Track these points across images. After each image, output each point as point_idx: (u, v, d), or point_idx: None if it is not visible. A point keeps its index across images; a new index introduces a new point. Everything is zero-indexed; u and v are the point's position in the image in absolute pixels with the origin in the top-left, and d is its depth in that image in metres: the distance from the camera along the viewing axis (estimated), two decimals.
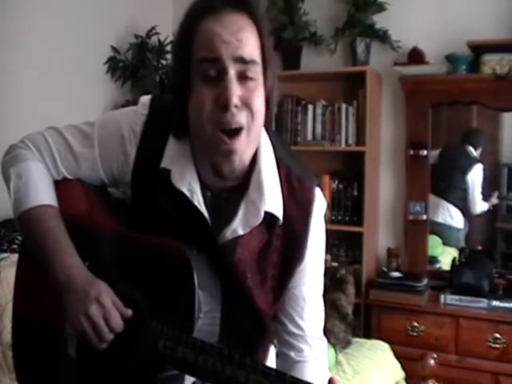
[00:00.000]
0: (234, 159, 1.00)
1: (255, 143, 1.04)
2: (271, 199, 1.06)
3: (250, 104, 0.98)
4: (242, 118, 0.98)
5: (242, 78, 0.97)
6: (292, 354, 1.14)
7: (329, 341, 2.42)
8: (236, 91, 0.96)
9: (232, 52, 0.96)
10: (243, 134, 0.99)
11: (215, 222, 1.06)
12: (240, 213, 1.05)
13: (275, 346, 1.25)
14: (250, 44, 0.98)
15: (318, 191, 1.14)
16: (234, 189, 1.08)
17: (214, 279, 1.05)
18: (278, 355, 1.18)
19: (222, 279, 1.06)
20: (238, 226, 1.05)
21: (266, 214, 1.05)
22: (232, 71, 0.96)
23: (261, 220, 1.05)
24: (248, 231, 1.05)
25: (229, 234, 1.05)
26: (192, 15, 1.01)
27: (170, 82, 1.10)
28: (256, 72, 0.99)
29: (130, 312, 1.02)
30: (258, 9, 1.02)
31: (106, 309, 0.99)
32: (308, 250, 1.11)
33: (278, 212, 1.07)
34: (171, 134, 1.07)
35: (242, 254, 1.06)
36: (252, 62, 0.98)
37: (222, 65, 0.96)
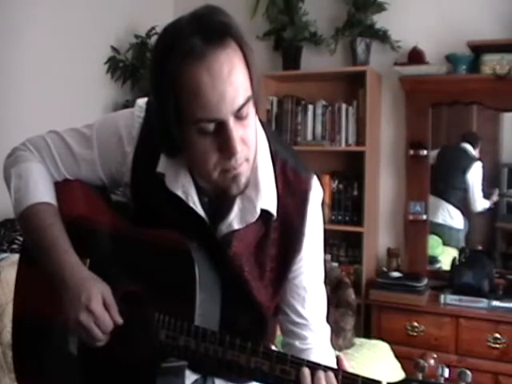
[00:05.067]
0: (240, 181, 1.01)
1: (254, 159, 1.05)
2: (266, 195, 1.07)
3: (247, 140, 0.99)
4: (243, 155, 0.99)
5: (239, 118, 0.96)
6: (297, 342, 1.15)
7: (336, 343, 2.43)
8: (237, 138, 0.95)
9: (231, 107, 0.93)
10: (245, 163, 1.00)
11: (212, 218, 1.08)
12: (235, 208, 1.07)
13: (275, 347, 1.25)
14: (243, 82, 0.95)
15: (314, 181, 1.14)
16: None
17: (213, 273, 1.06)
18: (283, 347, 1.20)
19: (221, 273, 1.07)
20: (233, 221, 1.06)
21: (262, 210, 1.07)
22: (231, 122, 0.95)
23: (257, 217, 1.07)
24: (243, 226, 1.07)
25: (224, 227, 1.07)
26: (171, 58, 0.93)
27: (154, 114, 1.03)
28: (249, 105, 0.97)
29: (120, 321, 1.03)
30: (235, 23, 0.96)
31: (95, 315, 1.01)
32: (306, 239, 1.12)
33: (272, 208, 1.08)
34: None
35: (237, 248, 1.07)
36: (248, 100, 0.96)
37: (222, 121, 0.94)
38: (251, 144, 1.01)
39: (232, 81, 0.93)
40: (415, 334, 2.88)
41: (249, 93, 0.96)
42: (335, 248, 3.35)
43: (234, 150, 0.95)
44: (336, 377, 0.92)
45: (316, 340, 1.15)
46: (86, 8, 3.04)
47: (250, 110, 0.98)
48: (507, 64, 2.84)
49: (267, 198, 1.07)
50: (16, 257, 1.26)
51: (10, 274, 1.87)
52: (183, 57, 0.92)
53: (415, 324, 2.89)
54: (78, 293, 1.02)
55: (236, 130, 0.95)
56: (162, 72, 0.95)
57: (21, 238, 2.33)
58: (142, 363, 1.03)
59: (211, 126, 0.95)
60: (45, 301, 1.12)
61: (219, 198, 1.07)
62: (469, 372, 0.87)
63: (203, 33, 0.92)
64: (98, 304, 1.02)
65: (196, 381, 1.15)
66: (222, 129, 0.95)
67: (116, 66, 3.24)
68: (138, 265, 1.08)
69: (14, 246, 2.36)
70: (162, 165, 1.07)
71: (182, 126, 0.97)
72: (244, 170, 1.01)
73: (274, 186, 1.09)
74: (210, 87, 0.92)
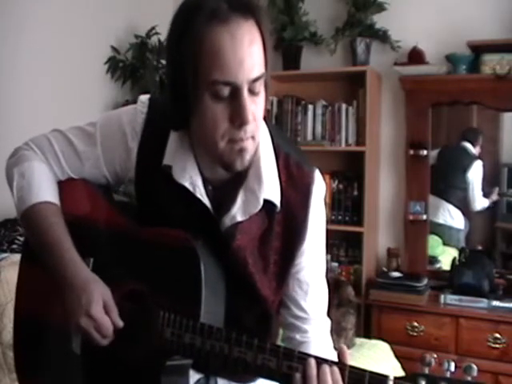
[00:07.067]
0: (245, 157, 1.01)
1: (259, 141, 1.06)
2: (269, 187, 1.07)
3: (256, 117, 1.00)
4: (251, 130, 0.99)
5: (251, 92, 0.98)
6: (297, 336, 1.16)
7: (338, 343, 2.47)
8: (250, 110, 0.97)
9: (247, 75, 0.95)
10: (251, 140, 1.01)
11: (216, 211, 1.08)
12: (239, 200, 1.07)
13: None
14: (259, 57, 0.97)
15: (317, 174, 1.15)
16: (234, 179, 1.09)
17: (218, 270, 1.06)
18: (283, 340, 1.20)
19: (225, 267, 1.08)
20: (236, 213, 1.07)
21: (265, 201, 1.07)
22: (246, 91, 0.96)
23: (260, 207, 1.07)
24: (247, 218, 1.07)
25: (228, 220, 1.07)
26: (195, 18, 0.94)
27: (167, 81, 1.05)
28: (262, 83, 0.99)
29: (120, 324, 1.03)
30: (259, 9, 0.99)
31: (95, 321, 1.01)
32: (308, 233, 1.12)
33: (276, 199, 1.08)
34: (171, 129, 1.08)
35: (241, 241, 1.07)
36: (261, 76, 0.98)
37: (237, 86, 0.95)
38: (259, 123, 1.02)
39: (251, 52, 0.95)
40: (415, 334, 2.88)
41: (263, 70, 0.98)
42: (335, 248, 3.35)
43: (246, 119, 0.96)
44: (342, 371, 0.92)
45: (316, 333, 1.16)
46: (86, 8, 3.04)
47: (262, 89, 0.99)
48: (507, 64, 2.85)
49: (270, 190, 1.07)
50: (16, 257, 1.26)
51: (10, 274, 1.87)
52: (208, 17, 0.93)
53: (415, 324, 2.89)
54: (78, 295, 1.01)
55: (249, 103, 0.96)
56: (184, 31, 0.96)
57: (21, 238, 2.33)
58: (146, 362, 1.03)
59: (226, 91, 0.95)
60: (47, 300, 1.12)
61: (224, 187, 1.08)
62: (474, 366, 0.88)
63: (229, 1, 0.95)
64: (99, 308, 1.01)
65: (199, 380, 1.15)
66: (235, 95, 0.95)
67: (116, 66, 3.23)
68: (142, 263, 1.08)
69: (14, 246, 2.35)
70: (169, 157, 1.08)
71: (196, 89, 0.97)
72: (250, 147, 1.01)
73: (277, 179, 1.09)
74: (231, 51, 0.93)
